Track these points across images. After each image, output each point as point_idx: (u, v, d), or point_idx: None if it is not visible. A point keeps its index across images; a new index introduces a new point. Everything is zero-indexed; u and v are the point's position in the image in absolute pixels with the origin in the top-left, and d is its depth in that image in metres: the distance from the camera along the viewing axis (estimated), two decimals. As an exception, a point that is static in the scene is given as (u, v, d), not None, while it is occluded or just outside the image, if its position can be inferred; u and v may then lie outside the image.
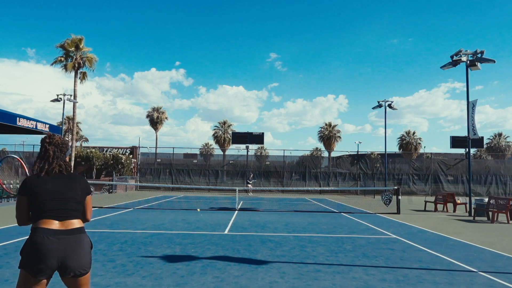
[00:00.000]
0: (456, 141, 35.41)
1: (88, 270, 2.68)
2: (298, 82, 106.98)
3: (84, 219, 2.83)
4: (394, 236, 9.85)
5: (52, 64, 31.92)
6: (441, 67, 16.89)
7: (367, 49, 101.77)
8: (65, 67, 31.49)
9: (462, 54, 16.15)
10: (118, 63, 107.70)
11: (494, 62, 15.66)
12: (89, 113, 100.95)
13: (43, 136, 2.80)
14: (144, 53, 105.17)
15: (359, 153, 36.47)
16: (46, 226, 2.57)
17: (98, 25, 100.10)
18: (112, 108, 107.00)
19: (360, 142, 40.85)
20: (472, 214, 15.34)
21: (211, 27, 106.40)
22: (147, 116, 54.29)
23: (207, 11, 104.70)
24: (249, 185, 28.50)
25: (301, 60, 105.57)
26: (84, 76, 32.38)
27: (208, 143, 64.74)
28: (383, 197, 18.29)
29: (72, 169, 2.88)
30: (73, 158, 31.00)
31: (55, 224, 2.59)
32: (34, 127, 17.50)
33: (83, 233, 2.70)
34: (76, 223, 2.69)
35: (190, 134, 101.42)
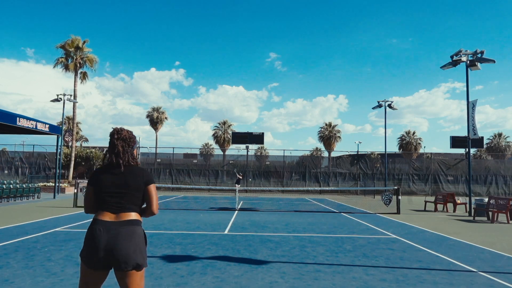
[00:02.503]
0: (456, 141, 35.42)
1: (135, 265, 2.57)
2: (298, 82, 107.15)
3: (148, 211, 2.78)
4: (394, 236, 9.85)
5: (54, 67, 32.01)
6: (441, 67, 16.89)
7: (367, 49, 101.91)
8: (66, 67, 31.53)
9: (462, 54, 16.14)
10: (117, 63, 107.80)
11: (494, 62, 15.66)
12: (89, 113, 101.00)
13: (111, 130, 2.86)
14: (143, 53, 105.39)
15: (359, 153, 36.47)
16: (100, 218, 2.65)
17: (98, 25, 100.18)
18: (112, 108, 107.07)
19: (360, 142, 40.87)
20: (472, 214, 15.34)
21: (211, 27, 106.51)
22: (147, 116, 54.33)
23: (206, 11, 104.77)
24: (238, 185, 28.60)
25: (301, 60, 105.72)
26: (84, 76, 32.43)
27: (208, 143, 64.80)
28: (383, 197, 18.29)
29: (135, 163, 2.89)
30: (73, 159, 31.02)
31: (108, 216, 2.65)
32: (34, 127, 17.52)
33: (135, 226, 2.67)
34: (131, 215, 2.69)
35: (190, 134, 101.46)
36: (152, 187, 2.77)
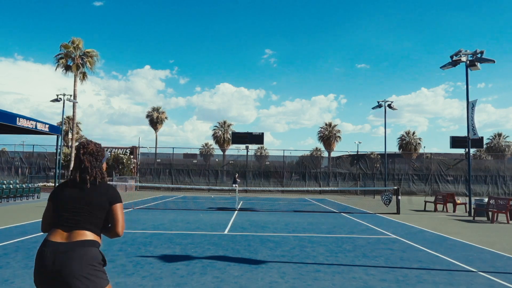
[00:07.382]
0: (456, 141, 35.43)
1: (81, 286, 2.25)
2: (296, 81, 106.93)
3: (112, 233, 2.52)
4: (394, 236, 9.85)
5: (56, 69, 32.05)
6: (441, 67, 16.90)
7: (366, 47, 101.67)
8: (66, 68, 31.60)
9: (462, 54, 16.14)
10: (112, 62, 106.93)
11: (494, 62, 15.67)
12: (85, 113, 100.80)
13: (78, 144, 2.65)
14: (138, 52, 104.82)
15: (358, 153, 36.49)
16: (50, 238, 2.40)
17: (92, 23, 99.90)
18: (108, 108, 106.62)
19: (360, 142, 40.90)
20: (472, 214, 15.34)
21: (206, 26, 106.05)
22: (147, 116, 54.38)
23: (201, 9, 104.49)
24: (235, 185, 28.67)
25: (299, 59, 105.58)
26: (84, 76, 32.47)
27: (207, 143, 64.82)
28: (383, 197, 18.28)
29: (104, 177, 2.64)
30: (72, 159, 31.05)
31: (60, 236, 2.40)
32: (34, 127, 17.52)
33: (89, 247, 2.38)
34: (87, 235, 2.42)
35: (187, 134, 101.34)
36: (118, 207, 2.52)
